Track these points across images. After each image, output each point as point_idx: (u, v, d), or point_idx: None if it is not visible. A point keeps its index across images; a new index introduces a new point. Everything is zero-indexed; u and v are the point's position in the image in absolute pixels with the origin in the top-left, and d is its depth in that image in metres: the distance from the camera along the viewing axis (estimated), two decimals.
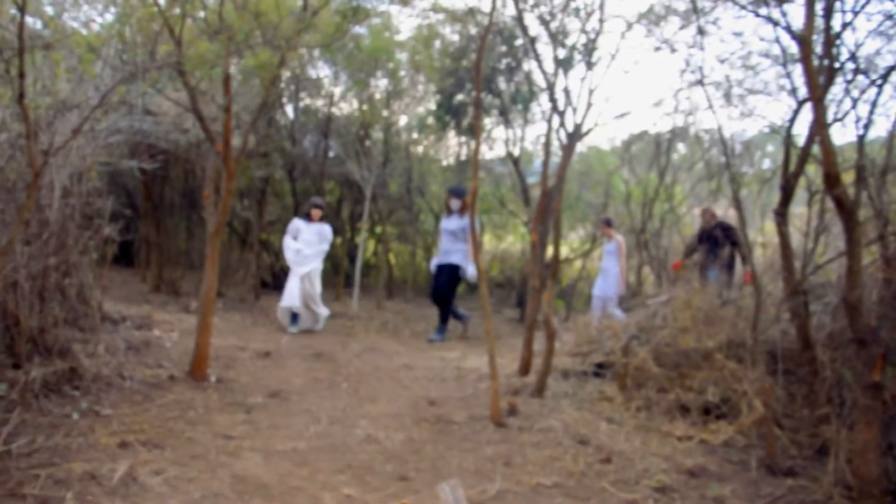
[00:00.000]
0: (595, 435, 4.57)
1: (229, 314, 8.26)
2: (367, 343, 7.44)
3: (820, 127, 3.53)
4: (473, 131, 5.85)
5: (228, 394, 4.97)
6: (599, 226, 9.66)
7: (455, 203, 8.32)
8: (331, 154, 11.52)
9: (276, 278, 11.37)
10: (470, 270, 8.17)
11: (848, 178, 3.90)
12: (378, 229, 12.09)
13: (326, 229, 8.29)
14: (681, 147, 11.14)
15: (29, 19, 4.79)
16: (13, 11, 4.23)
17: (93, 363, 4.76)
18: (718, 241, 8.78)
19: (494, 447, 4.29)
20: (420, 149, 12.60)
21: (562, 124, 5.74)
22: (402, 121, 12.15)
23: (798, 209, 6.48)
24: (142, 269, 10.40)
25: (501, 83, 10.72)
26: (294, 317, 8.03)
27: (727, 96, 5.56)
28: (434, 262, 8.70)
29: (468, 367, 6.42)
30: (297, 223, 8.22)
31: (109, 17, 7.17)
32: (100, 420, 4.09)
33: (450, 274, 8.33)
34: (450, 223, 8.46)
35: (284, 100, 11.10)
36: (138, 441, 3.82)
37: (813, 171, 5.13)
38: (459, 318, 8.66)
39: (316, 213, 8.19)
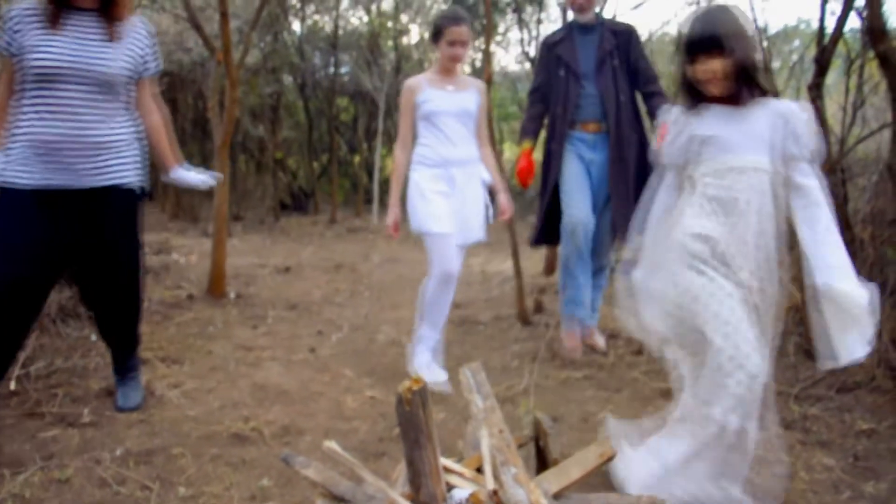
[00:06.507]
0: (624, 328, 4.41)
1: (249, 236, 8.15)
2: (389, 254, 7.31)
3: None
4: (485, 28, 5.51)
5: (248, 308, 4.88)
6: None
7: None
8: (343, 70, 11.22)
9: (295, 199, 11.25)
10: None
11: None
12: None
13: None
14: None
15: None
16: None
17: None
18: (617, 78, 3.84)
19: (521, 344, 4.17)
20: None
21: None
22: (414, 30, 11.74)
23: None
24: (160, 198, 10.30)
25: None
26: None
27: None
28: None
29: (492, 271, 6.29)
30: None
31: None
32: None
33: None
34: None
35: (291, 17, 10.74)
36: (157, 357, 3.74)
37: (850, 42, 4.80)
38: None
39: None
